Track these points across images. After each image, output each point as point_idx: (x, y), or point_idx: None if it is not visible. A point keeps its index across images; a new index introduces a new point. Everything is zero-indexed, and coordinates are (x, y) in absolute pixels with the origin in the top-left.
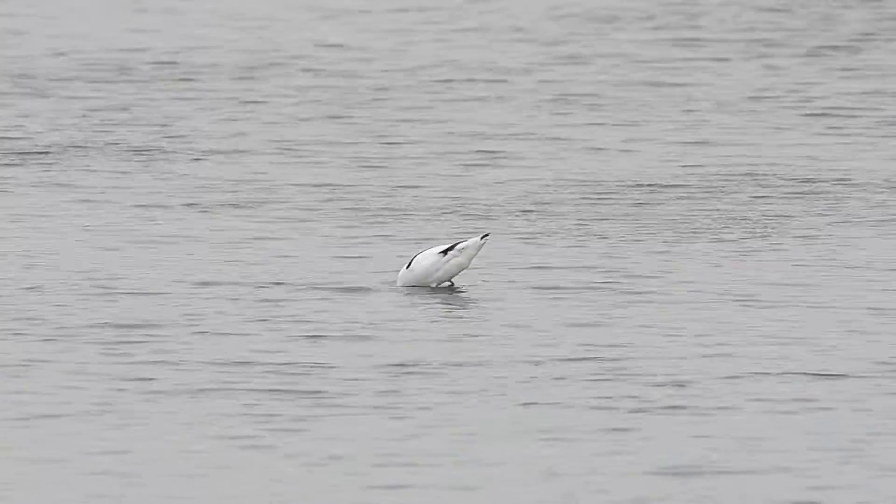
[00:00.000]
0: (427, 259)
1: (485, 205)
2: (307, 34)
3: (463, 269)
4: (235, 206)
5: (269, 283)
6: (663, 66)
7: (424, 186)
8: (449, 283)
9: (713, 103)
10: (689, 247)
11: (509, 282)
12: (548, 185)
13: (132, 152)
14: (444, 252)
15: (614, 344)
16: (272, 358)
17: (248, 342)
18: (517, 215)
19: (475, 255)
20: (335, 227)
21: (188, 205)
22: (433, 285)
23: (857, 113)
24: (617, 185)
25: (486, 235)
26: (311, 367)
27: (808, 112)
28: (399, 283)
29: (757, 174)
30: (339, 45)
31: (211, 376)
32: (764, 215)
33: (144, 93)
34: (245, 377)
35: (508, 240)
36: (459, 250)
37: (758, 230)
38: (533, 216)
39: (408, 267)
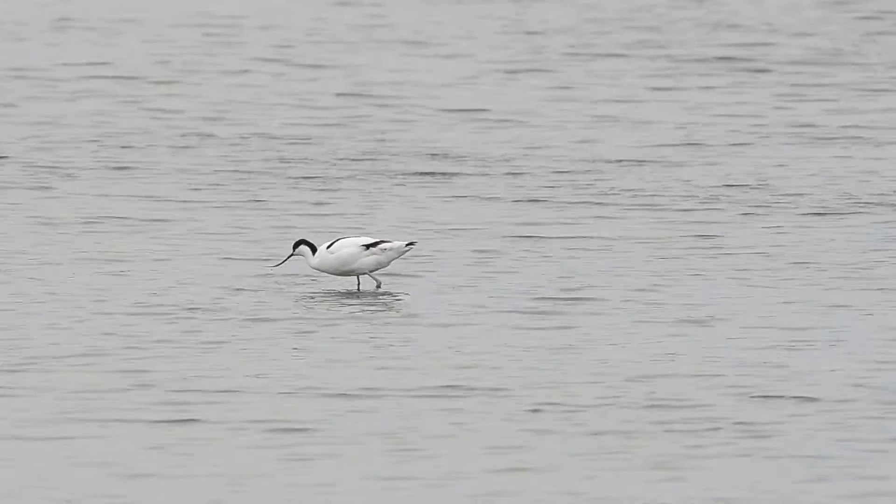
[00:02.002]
0: (348, 248)
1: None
2: None
3: (381, 266)
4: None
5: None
6: None
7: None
8: (364, 277)
9: None
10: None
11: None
12: None
13: None
14: (367, 246)
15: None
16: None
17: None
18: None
19: (395, 258)
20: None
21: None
22: (344, 275)
23: None
24: None
25: (412, 244)
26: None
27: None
28: (313, 263)
29: None
30: None
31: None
32: None
33: None
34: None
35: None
36: (382, 249)
37: None
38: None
39: (328, 247)
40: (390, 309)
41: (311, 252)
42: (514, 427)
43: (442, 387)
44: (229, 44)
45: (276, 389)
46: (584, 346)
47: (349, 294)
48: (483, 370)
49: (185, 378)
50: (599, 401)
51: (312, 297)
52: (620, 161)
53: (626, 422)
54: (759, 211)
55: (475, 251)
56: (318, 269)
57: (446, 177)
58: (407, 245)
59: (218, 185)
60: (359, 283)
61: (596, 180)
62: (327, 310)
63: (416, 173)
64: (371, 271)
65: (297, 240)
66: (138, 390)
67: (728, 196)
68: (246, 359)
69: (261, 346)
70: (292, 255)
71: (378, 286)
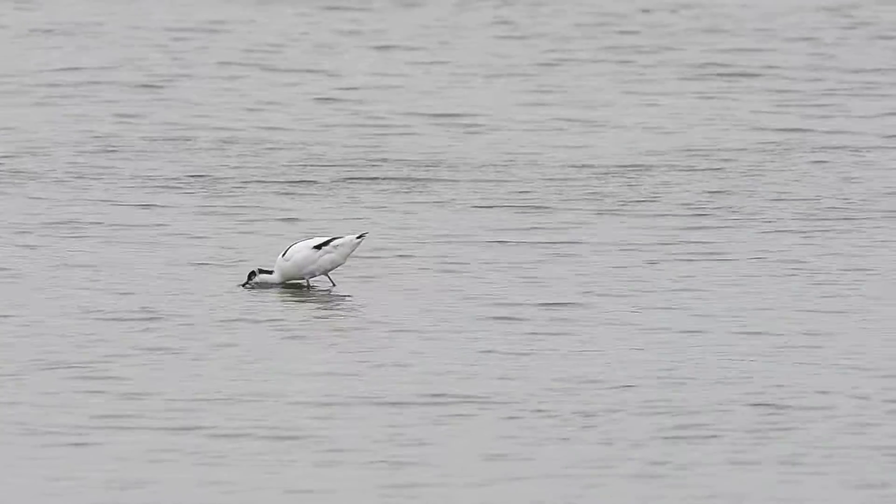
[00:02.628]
0: (301, 252)
1: None
2: None
3: (337, 265)
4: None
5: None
6: None
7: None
8: (319, 277)
9: None
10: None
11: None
12: None
13: None
14: (319, 247)
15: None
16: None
17: None
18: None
19: (350, 253)
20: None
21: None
22: (305, 279)
23: None
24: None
25: (362, 236)
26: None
27: None
28: (275, 279)
29: None
30: None
31: None
32: None
33: None
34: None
35: None
36: (334, 247)
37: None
38: None
39: (283, 255)
40: (355, 316)
41: (268, 275)
42: (501, 435)
43: (424, 395)
44: (205, 49)
45: (250, 397)
46: (567, 353)
47: (322, 301)
48: (458, 378)
49: (161, 387)
50: (593, 408)
51: (283, 304)
52: (603, 167)
53: (622, 430)
54: (748, 217)
55: (442, 257)
56: (283, 281)
57: (422, 182)
58: (358, 237)
59: (188, 189)
60: (308, 284)
61: (575, 185)
62: (301, 319)
63: (392, 178)
64: (329, 270)
65: (249, 272)
66: (92, 395)
67: (716, 202)
68: (219, 367)
69: (230, 354)
70: (250, 284)
71: (332, 285)
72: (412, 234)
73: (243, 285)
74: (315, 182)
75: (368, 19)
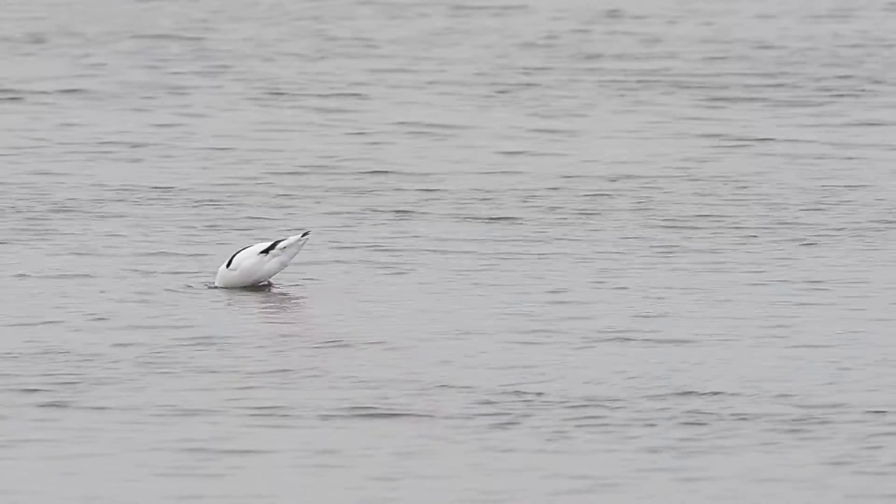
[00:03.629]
0: (248, 259)
1: None
2: None
3: (285, 266)
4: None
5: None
6: None
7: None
8: (267, 283)
9: None
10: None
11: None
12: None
13: None
14: (265, 251)
15: None
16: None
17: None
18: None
19: (296, 253)
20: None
21: None
22: (254, 284)
23: None
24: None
25: (307, 233)
26: None
27: None
28: (217, 283)
29: None
30: None
31: None
32: None
33: None
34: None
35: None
36: (281, 249)
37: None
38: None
39: (228, 265)
40: (299, 326)
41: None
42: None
43: (369, 407)
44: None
45: (201, 410)
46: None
47: (265, 306)
48: (408, 386)
49: (104, 396)
50: (579, 418)
51: (231, 311)
52: (569, 179)
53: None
54: (729, 230)
55: (385, 266)
56: (224, 287)
57: (382, 193)
58: (303, 235)
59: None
60: (269, 283)
61: (525, 197)
62: (252, 330)
63: (347, 189)
64: (277, 272)
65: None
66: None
67: (693, 217)
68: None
69: (168, 359)
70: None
71: (270, 286)
72: (360, 242)
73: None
74: (260, 193)
75: (360, 26)
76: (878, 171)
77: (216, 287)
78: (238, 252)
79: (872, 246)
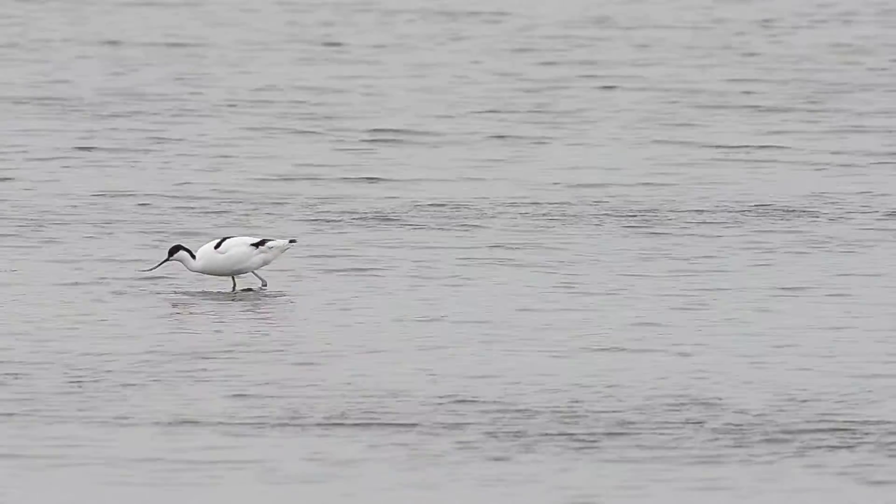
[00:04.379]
0: (238, 248)
1: None
2: None
3: (266, 264)
4: None
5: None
6: None
7: None
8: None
9: None
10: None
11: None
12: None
13: None
14: (256, 245)
15: None
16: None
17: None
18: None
19: (278, 256)
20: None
21: None
22: (232, 277)
23: None
24: None
25: (293, 241)
26: None
27: None
28: (196, 266)
29: None
30: None
31: None
32: None
33: None
34: None
35: None
36: (268, 247)
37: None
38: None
39: (216, 247)
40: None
41: (189, 256)
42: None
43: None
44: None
45: (173, 420)
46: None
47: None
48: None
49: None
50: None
51: (217, 318)
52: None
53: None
54: (708, 228)
55: (357, 270)
56: (202, 272)
57: (349, 198)
58: (290, 242)
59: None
60: (234, 285)
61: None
62: (235, 330)
63: (326, 198)
64: (257, 268)
65: (173, 245)
66: None
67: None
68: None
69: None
70: (167, 260)
71: (264, 285)
72: (338, 247)
73: (155, 267)
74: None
75: (346, 27)
76: (871, 177)
77: (193, 271)
78: (228, 237)
79: (870, 252)
